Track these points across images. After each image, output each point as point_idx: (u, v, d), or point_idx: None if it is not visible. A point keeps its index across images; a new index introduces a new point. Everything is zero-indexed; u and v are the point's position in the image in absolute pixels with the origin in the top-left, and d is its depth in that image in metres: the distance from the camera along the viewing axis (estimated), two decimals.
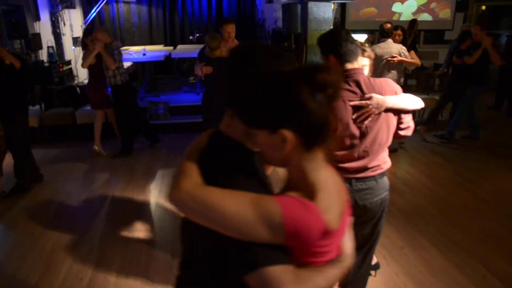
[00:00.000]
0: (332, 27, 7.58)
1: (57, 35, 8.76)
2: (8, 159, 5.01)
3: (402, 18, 9.28)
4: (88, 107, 6.37)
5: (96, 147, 5.89)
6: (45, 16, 8.40)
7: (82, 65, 5.42)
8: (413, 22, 7.40)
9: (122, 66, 5.57)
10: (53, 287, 3.15)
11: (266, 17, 9.46)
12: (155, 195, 4.68)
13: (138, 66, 8.27)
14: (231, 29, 4.72)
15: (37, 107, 6.78)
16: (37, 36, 7.93)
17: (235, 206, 0.97)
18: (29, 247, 3.71)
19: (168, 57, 8.24)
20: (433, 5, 9.04)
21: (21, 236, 3.90)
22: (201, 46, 9.28)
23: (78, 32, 9.29)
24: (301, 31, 7.51)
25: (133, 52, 7.86)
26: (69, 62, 8.78)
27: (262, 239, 0.96)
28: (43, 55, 8.26)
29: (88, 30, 5.73)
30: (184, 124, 7.01)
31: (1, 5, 6.83)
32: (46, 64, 8.00)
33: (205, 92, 4.90)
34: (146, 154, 6.00)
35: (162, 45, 10.09)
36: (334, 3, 7.53)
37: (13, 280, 3.26)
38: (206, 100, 4.75)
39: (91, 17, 8.82)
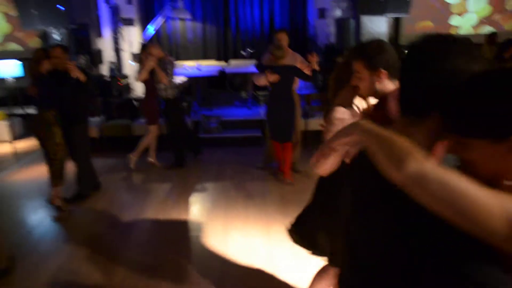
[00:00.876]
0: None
1: (118, 51, 9.23)
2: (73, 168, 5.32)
3: (461, 32, 8.96)
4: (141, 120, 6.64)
5: (151, 159, 6.08)
6: (107, 33, 8.89)
7: (137, 79, 5.65)
8: (493, 35, 7.08)
9: (174, 80, 5.77)
10: None
11: (318, 33, 9.48)
12: (207, 207, 4.77)
13: (193, 80, 8.51)
14: (283, 37, 5.09)
15: (98, 118, 7.16)
16: (99, 52, 8.39)
17: (484, 197, 0.87)
18: (88, 251, 3.89)
19: (221, 72, 8.44)
20: (496, 17, 8.61)
21: (80, 240, 4.10)
22: (253, 61, 9.49)
23: (137, 48, 9.74)
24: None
25: (188, 67, 8.12)
26: (127, 77, 9.21)
27: (500, 237, 0.86)
28: (104, 69, 8.74)
29: (144, 46, 5.98)
30: (236, 138, 7.10)
31: (71, 24, 7.32)
32: (107, 78, 8.46)
33: (270, 99, 5.09)
34: (197, 167, 6.13)
35: (215, 60, 10.33)
36: (388, 16, 7.44)
37: (71, 282, 3.41)
38: (272, 107, 5.03)
39: (149, 34, 9.22)
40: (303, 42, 10.41)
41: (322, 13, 9.49)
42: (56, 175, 4.68)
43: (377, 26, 7.61)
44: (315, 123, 6.83)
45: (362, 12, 7.15)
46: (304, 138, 6.90)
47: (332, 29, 8.86)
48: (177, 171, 5.94)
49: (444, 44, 1.03)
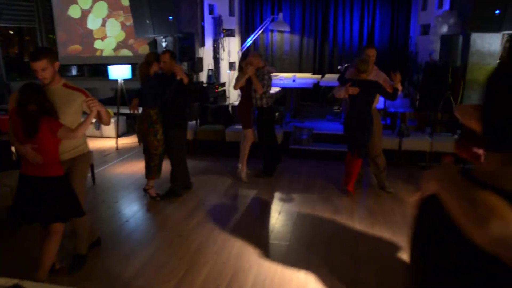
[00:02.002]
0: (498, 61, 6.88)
1: (216, 60, 9.63)
2: (168, 166, 5.58)
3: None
4: (238, 126, 6.80)
5: (239, 165, 6.15)
6: (209, 42, 9.32)
7: (234, 87, 5.81)
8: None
9: (270, 90, 5.86)
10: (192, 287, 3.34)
11: (420, 49, 9.04)
12: (292, 219, 4.72)
13: (287, 91, 8.57)
14: (372, 53, 5.15)
15: (194, 122, 7.49)
16: (201, 59, 8.80)
17: None
18: (175, 247, 4.03)
19: (316, 85, 8.40)
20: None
21: (169, 236, 4.27)
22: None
23: (234, 58, 10.08)
24: (460, 65, 6.98)
25: (284, 78, 8.18)
26: (223, 84, 9.56)
27: None
28: (203, 76, 9.15)
29: (245, 55, 6.15)
30: (326, 152, 7.00)
31: (178, 33, 7.80)
32: (205, 85, 8.83)
33: (348, 113, 5.09)
34: (286, 177, 6.14)
35: (311, 73, 10.32)
36: (505, 34, 6.85)
37: (158, 275, 3.55)
38: (349, 121, 5.06)
39: (248, 45, 9.51)
40: (402, 59, 10.00)
41: (425, 29, 9.04)
42: (155, 169, 5.07)
43: (489, 43, 7.04)
44: (410, 143, 6.47)
45: (472, 29, 6.66)
46: (398, 157, 6.57)
47: (435, 46, 8.39)
48: (265, 179, 6.02)
49: None
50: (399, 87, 4.88)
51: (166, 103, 4.97)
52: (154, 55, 4.96)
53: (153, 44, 8.78)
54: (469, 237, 0.85)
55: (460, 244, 0.89)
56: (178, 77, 4.81)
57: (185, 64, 8.26)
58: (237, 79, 5.82)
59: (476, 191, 0.86)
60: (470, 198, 0.86)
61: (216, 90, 8.93)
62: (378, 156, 5.37)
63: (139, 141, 7.83)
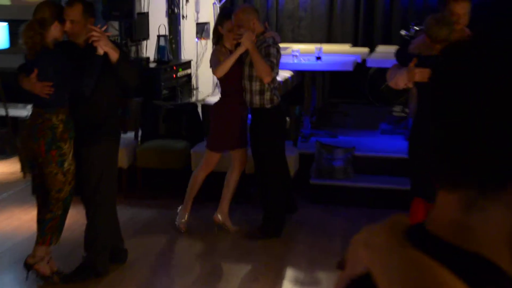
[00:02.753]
0: None
1: (174, 18, 9.62)
2: (76, 215, 5.48)
3: None
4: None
5: (219, 216, 6.12)
6: None
7: (215, 72, 5.78)
8: None
9: (276, 76, 5.89)
10: None
11: None
12: None
13: (305, 78, 8.55)
14: (461, 9, 5.02)
15: (131, 135, 7.46)
16: (144, 17, 8.79)
17: None
18: None
19: (359, 66, 8.39)
20: None
21: None
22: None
23: (207, 15, 10.06)
24: None
25: (298, 54, 8.18)
26: (188, 65, 9.55)
27: None
28: (149, 49, 9.12)
29: (226, 12, 6.15)
30: (377, 192, 7.01)
31: None
32: (152, 65, 8.81)
33: (417, 121, 5.14)
34: (304, 239, 6.14)
35: (349, 45, 10.34)
36: None
37: None
38: (417, 134, 4.98)
39: None
40: None
41: None
42: (52, 226, 4.99)
43: None
44: None
45: None
46: None
47: None
48: (266, 243, 6.01)
49: None
50: None
51: (79, 100, 4.96)
52: (52, 8, 4.95)
53: None
54: None
55: None
56: (100, 51, 4.80)
57: (115, 26, 8.26)
58: (215, 58, 5.82)
59: (427, 268, 0.93)
60: (415, 277, 0.93)
61: (174, 76, 8.92)
62: None
63: (25, 170, 7.69)
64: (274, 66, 5.75)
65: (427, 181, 4.99)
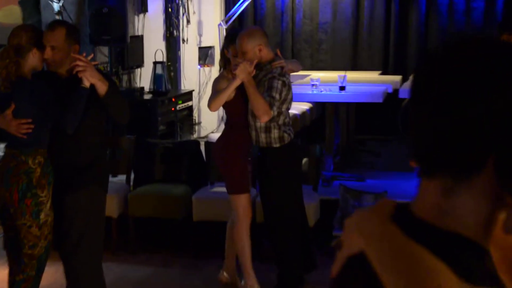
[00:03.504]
0: None
1: (173, 42, 9.77)
2: (54, 274, 5.57)
3: None
4: (221, 188, 6.82)
5: (226, 275, 6.20)
6: (156, 4, 9.51)
7: (209, 106, 5.90)
8: None
9: (287, 109, 5.98)
10: None
11: None
12: None
13: (326, 112, 8.61)
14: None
15: (122, 178, 7.55)
16: (138, 41, 8.94)
17: None
18: None
19: (390, 96, 8.54)
20: None
21: None
22: None
23: (212, 39, 10.20)
24: None
25: (318, 83, 8.28)
26: (188, 96, 9.71)
27: None
28: (144, 78, 9.29)
29: (232, 34, 6.18)
30: None
31: None
32: (148, 96, 8.94)
33: None
34: None
35: (378, 73, 10.49)
36: None
37: None
38: None
39: (239, 10, 9.60)
40: None
41: None
42: (26, 286, 4.96)
43: None
44: None
45: None
46: None
47: None
48: None
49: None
50: None
51: (60, 139, 4.99)
52: (30, 32, 5.02)
53: (32, 5, 8.85)
54: None
55: None
56: (86, 83, 4.83)
57: (104, 51, 8.41)
58: (216, 87, 5.92)
59: (413, 253, 1.18)
60: (402, 264, 1.18)
61: (173, 109, 9.04)
62: None
63: None
64: (275, 102, 5.72)
65: None
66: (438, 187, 1.24)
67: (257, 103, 5.66)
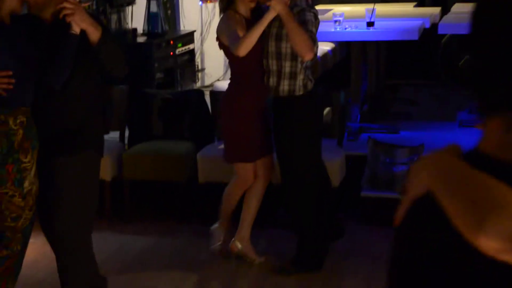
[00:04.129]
0: None
1: None
2: (41, 247, 5.66)
3: None
4: (222, 145, 6.85)
5: (238, 244, 6.28)
6: None
7: (238, 50, 5.74)
8: None
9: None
10: None
11: None
12: None
13: (351, 53, 8.64)
14: None
15: (115, 135, 7.60)
16: None
17: None
18: None
19: (427, 33, 8.54)
20: None
21: None
22: None
23: None
24: None
25: (342, 19, 8.27)
26: (189, 38, 9.75)
27: None
28: (136, 17, 9.34)
29: None
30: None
31: None
32: (141, 39, 9.01)
33: None
34: (353, 272, 6.27)
35: (413, 4, 10.43)
36: None
37: None
38: None
39: None
40: None
41: None
42: (9, 265, 4.96)
43: None
44: None
45: None
46: None
47: None
48: (300, 279, 6.15)
49: None
50: None
51: (46, 97, 4.97)
52: None
53: None
54: (473, 245, 1.32)
55: (463, 258, 1.42)
56: (76, 28, 4.77)
57: None
58: (228, 25, 5.93)
59: (480, 178, 1.37)
60: (470, 189, 1.37)
61: (172, 53, 9.11)
62: None
63: None
64: (315, 37, 5.77)
65: None
66: (501, 123, 1.43)
67: (301, 38, 5.62)
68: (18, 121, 4.78)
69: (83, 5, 4.96)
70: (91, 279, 5.42)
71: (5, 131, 4.73)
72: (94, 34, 4.73)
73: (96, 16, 5.65)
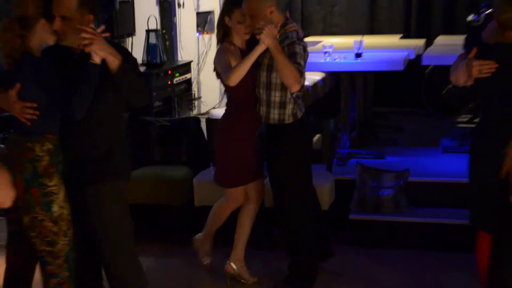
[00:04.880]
0: None
1: (167, 7, 9.80)
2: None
3: None
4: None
5: (233, 265, 6.24)
6: None
7: (229, 80, 5.72)
8: None
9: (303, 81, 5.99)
10: None
11: None
12: None
13: (341, 82, 8.66)
14: None
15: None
16: (128, 7, 8.96)
17: None
18: None
19: (412, 63, 8.58)
20: None
21: None
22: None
23: (211, 3, 10.24)
24: None
25: (332, 50, 8.31)
26: (186, 68, 9.76)
27: None
28: (136, 48, 9.30)
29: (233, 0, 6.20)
30: (439, 229, 7.12)
31: None
32: (141, 69, 8.75)
33: (482, 127, 5.29)
34: None
35: (399, 37, 10.52)
36: None
37: None
38: (481, 148, 5.16)
39: None
40: None
41: None
42: None
43: None
44: None
45: None
46: None
47: None
48: None
49: None
50: None
51: (72, 127, 4.87)
52: (37, 1, 4.78)
53: None
54: None
55: None
56: (96, 58, 4.67)
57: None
58: (223, 57, 5.93)
59: None
60: None
61: (170, 82, 9.13)
62: None
63: None
64: (302, 69, 5.77)
65: (487, 209, 5.07)
66: None
67: (288, 70, 5.60)
68: (45, 148, 4.72)
69: (103, 34, 4.70)
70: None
71: (31, 158, 4.69)
72: (114, 63, 4.66)
73: (118, 45, 5.53)
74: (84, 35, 4.51)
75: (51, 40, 4.81)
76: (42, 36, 4.73)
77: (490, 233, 5.13)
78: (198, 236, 6.43)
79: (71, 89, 4.63)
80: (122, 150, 5.12)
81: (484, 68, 4.90)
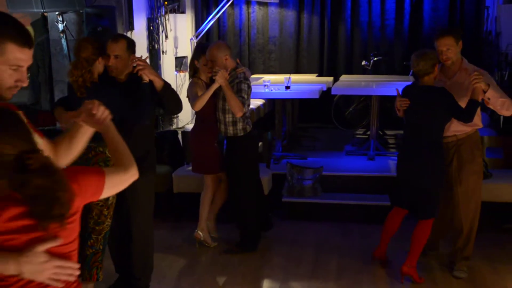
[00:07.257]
0: None
1: (155, 53, 9.70)
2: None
3: None
4: (191, 167, 6.85)
5: (200, 233, 6.26)
6: (140, 23, 9.45)
7: (194, 107, 5.83)
8: None
9: (248, 107, 6.01)
10: None
11: (503, 29, 9.30)
12: None
13: (275, 106, 8.65)
14: (446, 44, 5.20)
15: None
16: None
17: None
18: None
19: (324, 93, 8.59)
20: None
21: None
22: (379, 77, 9.54)
23: (185, 50, 10.16)
24: None
25: (269, 84, 8.31)
26: None
27: None
28: None
29: (201, 47, 6.16)
30: (343, 208, 7.16)
31: (86, 7, 7.61)
32: None
33: (404, 144, 5.56)
34: (279, 252, 6.27)
35: (315, 75, 10.54)
36: None
37: None
38: (403, 156, 5.48)
39: (207, 27, 9.63)
40: (473, 46, 10.15)
41: None
42: (96, 259, 4.97)
43: None
44: (492, 190, 6.43)
45: None
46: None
47: None
48: (244, 257, 6.15)
49: None
50: (479, 96, 5.01)
51: (124, 130, 4.81)
52: (95, 44, 4.88)
53: (41, 26, 8.73)
54: None
55: None
56: (146, 78, 4.79)
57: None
58: (191, 92, 5.95)
59: None
60: None
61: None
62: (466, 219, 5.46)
63: None
64: (245, 101, 5.85)
65: (404, 192, 5.44)
66: None
67: (234, 102, 5.72)
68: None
69: (145, 59, 4.95)
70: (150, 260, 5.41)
71: (104, 159, 4.85)
72: (159, 83, 4.83)
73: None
74: (139, 62, 4.73)
75: (102, 71, 4.93)
76: (99, 69, 4.86)
77: (403, 208, 5.51)
78: (196, 230, 6.31)
79: (127, 105, 4.74)
80: (154, 150, 5.22)
81: (402, 103, 5.24)
